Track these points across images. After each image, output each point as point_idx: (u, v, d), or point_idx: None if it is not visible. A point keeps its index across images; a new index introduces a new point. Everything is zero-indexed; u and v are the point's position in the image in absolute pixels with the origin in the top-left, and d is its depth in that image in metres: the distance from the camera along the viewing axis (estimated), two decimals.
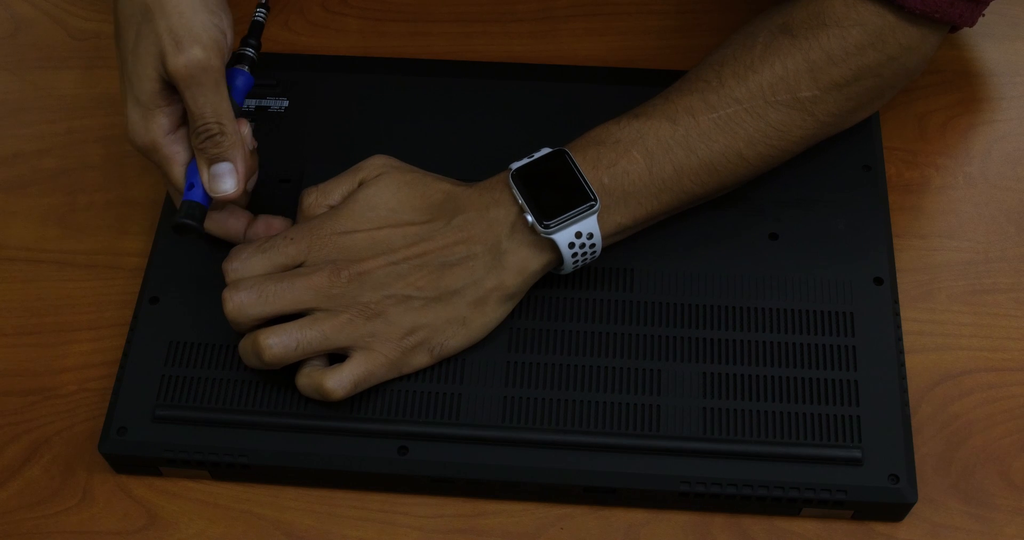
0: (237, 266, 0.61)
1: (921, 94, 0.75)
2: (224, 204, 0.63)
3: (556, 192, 0.61)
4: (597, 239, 0.61)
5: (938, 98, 0.75)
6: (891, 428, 0.61)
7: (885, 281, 0.65)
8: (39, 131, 0.75)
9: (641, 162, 0.61)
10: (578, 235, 0.61)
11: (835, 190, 0.68)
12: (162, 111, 0.60)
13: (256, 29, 0.65)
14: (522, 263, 0.61)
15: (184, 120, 0.62)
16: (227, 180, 0.61)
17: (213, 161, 0.61)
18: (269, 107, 0.72)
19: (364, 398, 0.62)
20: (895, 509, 0.61)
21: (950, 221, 0.70)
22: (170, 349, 0.64)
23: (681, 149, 0.62)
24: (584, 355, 0.63)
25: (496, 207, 0.61)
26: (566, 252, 0.61)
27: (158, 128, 0.61)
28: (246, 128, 0.62)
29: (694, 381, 0.62)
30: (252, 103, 0.72)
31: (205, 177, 0.61)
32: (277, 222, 0.65)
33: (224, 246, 0.66)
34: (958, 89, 0.75)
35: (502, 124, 0.71)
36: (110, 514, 0.63)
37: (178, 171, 0.62)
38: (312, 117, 0.72)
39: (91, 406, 0.65)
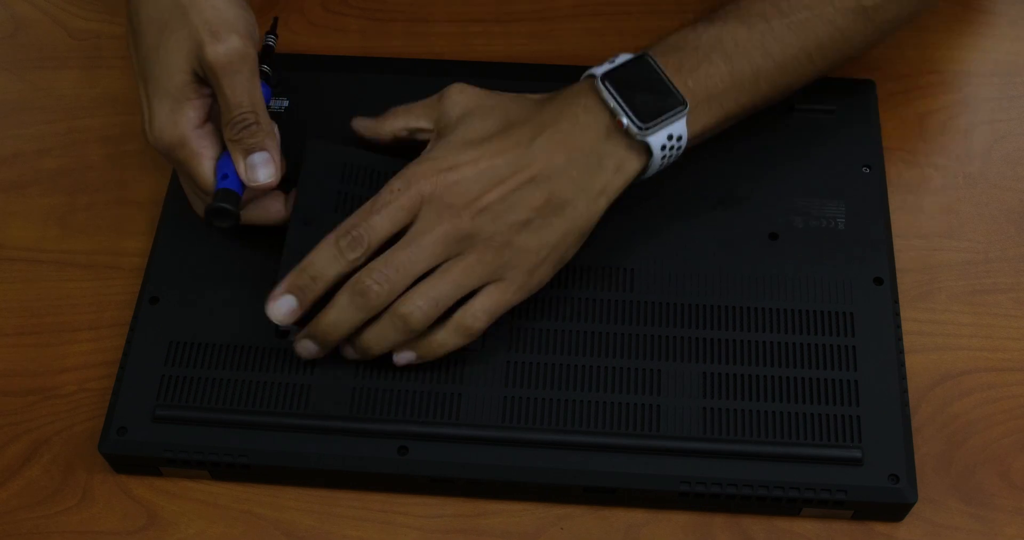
0: (362, 233, 0.59)
1: (921, 94, 0.75)
2: (256, 193, 0.63)
3: (648, 95, 0.61)
4: (684, 141, 0.62)
5: (938, 98, 0.75)
6: (891, 428, 0.61)
7: (885, 281, 0.65)
8: (39, 131, 0.75)
9: (722, 66, 0.63)
10: (669, 137, 0.61)
11: (835, 190, 0.68)
12: (192, 104, 0.61)
13: (268, 52, 0.67)
14: (620, 164, 0.62)
15: (210, 116, 0.62)
16: (265, 169, 0.61)
17: (250, 151, 0.61)
18: (269, 107, 0.72)
19: (364, 398, 0.62)
20: (895, 509, 0.61)
21: (950, 221, 0.70)
22: (170, 349, 0.64)
23: (758, 52, 0.63)
24: (584, 355, 0.63)
25: (587, 113, 0.62)
26: (657, 154, 0.62)
27: (187, 122, 0.61)
28: (276, 129, 0.63)
29: (694, 381, 0.62)
30: None
31: (241, 167, 0.61)
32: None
33: (224, 247, 0.66)
34: (958, 89, 0.75)
35: None
36: (110, 514, 0.63)
37: (208, 165, 0.62)
38: (312, 117, 0.72)
39: (91, 406, 0.65)
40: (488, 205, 0.60)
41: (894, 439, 0.61)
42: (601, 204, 0.62)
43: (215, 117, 0.63)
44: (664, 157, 0.62)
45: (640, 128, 0.61)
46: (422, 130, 0.65)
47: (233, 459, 0.61)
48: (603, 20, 0.79)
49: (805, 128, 0.70)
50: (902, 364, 0.63)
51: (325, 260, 0.60)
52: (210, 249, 0.67)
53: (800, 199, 0.68)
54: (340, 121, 0.71)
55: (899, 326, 0.64)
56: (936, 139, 0.73)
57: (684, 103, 0.62)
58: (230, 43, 0.59)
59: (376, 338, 0.61)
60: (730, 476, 0.60)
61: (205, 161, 0.62)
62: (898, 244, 0.69)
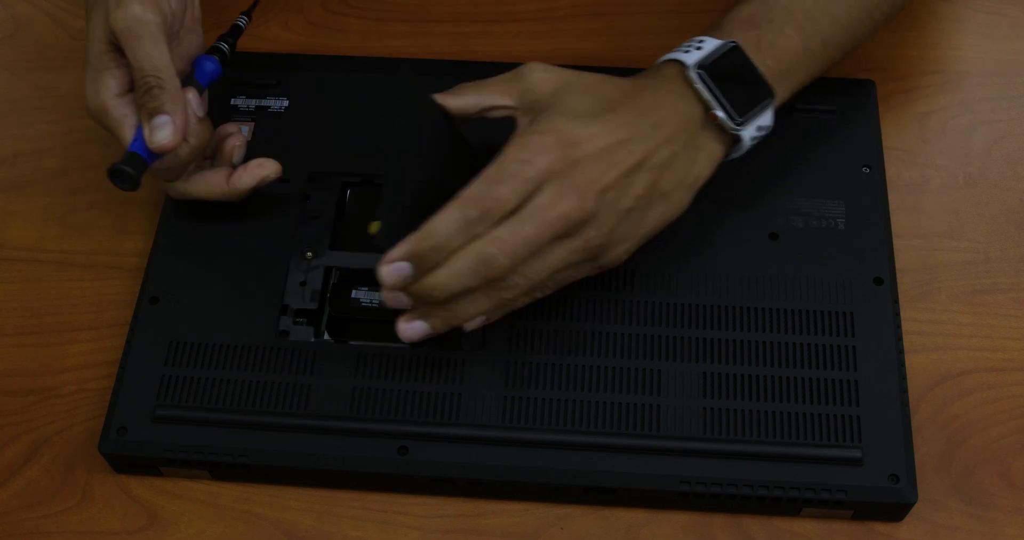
0: (491, 206, 0.57)
1: (921, 94, 0.75)
2: (174, 162, 0.64)
3: (741, 88, 0.61)
4: (770, 129, 0.63)
5: (938, 98, 0.75)
6: (891, 428, 0.61)
7: (885, 281, 0.65)
8: (39, 131, 0.75)
9: (795, 38, 0.63)
10: (759, 128, 0.62)
11: (835, 190, 0.68)
12: (110, 72, 0.62)
13: (234, 31, 0.69)
14: (713, 156, 0.62)
15: (133, 85, 0.63)
16: (162, 131, 0.61)
17: (152, 114, 0.61)
18: (269, 107, 0.72)
19: (364, 398, 0.62)
20: (895, 509, 0.61)
21: (950, 221, 0.70)
22: (170, 349, 0.64)
23: (825, 19, 0.64)
24: (584, 355, 0.63)
25: (683, 102, 0.61)
26: (747, 145, 0.63)
27: (107, 90, 0.62)
28: (193, 96, 0.64)
29: (694, 381, 0.62)
30: (252, 103, 0.72)
31: (147, 131, 0.62)
32: (268, 163, 0.66)
33: (224, 247, 0.66)
34: (958, 89, 0.75)
35: (502, 124, 0.71)
36: (110, 514, 0.63)
37: (127, 133, 0.63)
38: (312, 117, 0.72)
39: (91, 406, 0.65)
40: (606, 188, 0.58)
41: (894, 439, 0.61)
42: (690, 197, 0.62)
43: None
44: (752, 145, 0.63)
45: (736, 122, 0.61)
46: (497, 107, 0.63)
47: (233, 459, 0.61)
48: (603, 20, 0.79)
49: (805, 128, 0.70)
50: (902, 364, 0.63)
51: (452, 231, 0.57)
52: (210, 249, 0.67)
53: (800, 199, 0.68)
54: (340, 121, 0.72)
55: (899, 326, 0.64)
56: (936, 139, 0.73)
57: (772, 94, 0.62)
58: (129, 9, 0.61)
59: (470, 309, 0.59)
60: (730, 476, 0.60)
61: (126, 129, 0.63)
62: (898, 244, 0.69)
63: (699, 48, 0.62)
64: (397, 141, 0.70)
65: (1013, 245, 0.69)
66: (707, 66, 0.61)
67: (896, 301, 0.65)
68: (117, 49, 0.62)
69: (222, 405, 0.62)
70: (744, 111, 0.61)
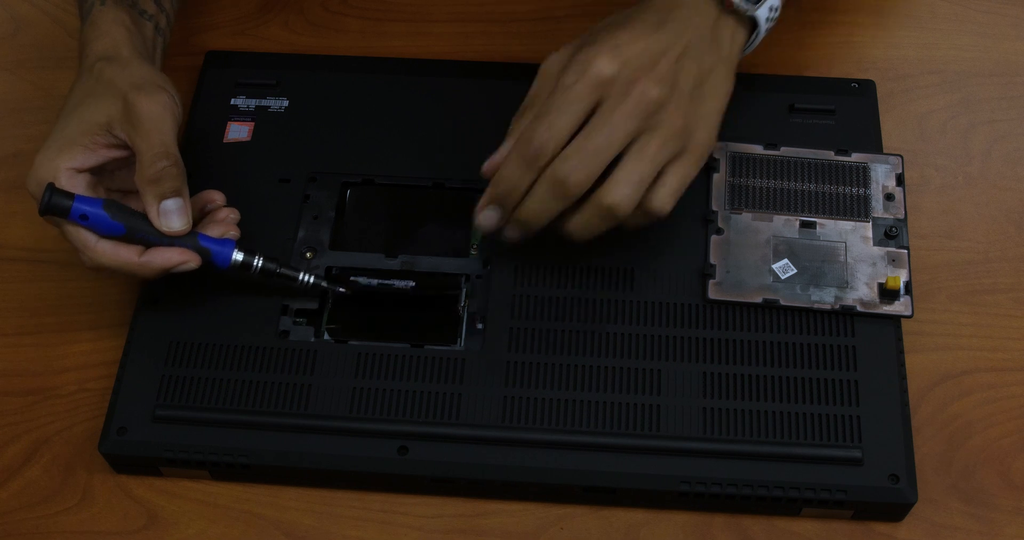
0: (545, 140, 0.59)
1: (921, 94, 0.75)
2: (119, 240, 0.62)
3: None
4: (779, 10, 0.65)
5: (938, 98, 0.75)
6: (891, 428, 0.61)
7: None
8: (39, 131, 0.75)
9: None
10: (771, 9, 0.65)
11: None
12: (84, 149, 0.62)
13: (284, 269, 0.65)
14: (733, 34, 0.64)
15: (94, 172, 0.62)
16: (178, 215, 0.61)
17: (166, 195, 0.61)
18: (269, 107, 0.72)
19: (364, 398, 0.62)
20: (895, 509, 0.61)
21: (950, 221, 0.70)
22: (170, 349, 0.64)
23: None
24: (584, 355, 0.63)
25: (689, 6, 0.63)
26: (763, 26, 0.65)
27: (70, 161, 0.62)
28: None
29: (694, 381, 0.62)
30: (252, 103, 0.72)
31: (154, 211, 0.61)
32: (189, 254, 0.62)
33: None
34: (958, 89, 0.75)
35: (502, 124, 0.71)
36: (110, 514, 0.63)
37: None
38: (312, 117, 0.72)
39: (91, 406, 0.65)
40: (665, 73, 0.60)
41: (894, 439, 0.61)
42: (732, 71, 0.64)
43: (101, 176, 0.63)
44: (767, 29, 0.65)
45: (750, 2, 0.64)
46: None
47: (233, 459, 0.61)
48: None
49: (805, 128, 0.70)
50: (902, 364, 0.63)
51: (516, 175, 0.60)
52: None
53: None
54: (340, 121, 0.72)
55: (899, 326, 0.64)
56: (936, 139, 0.73)
57: None
58: (158, 97, 0.62)
59: (581, 229, 0.61)
60: (730, 476, 0.60)
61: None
62: None
63: None
64: (397, 141, 0.70)
65: (1013, 245, 0.69)
66: None
67: None
68: (108, 142, 0.62)
69: (222, 405, 0.62)
70: None
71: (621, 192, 0.59)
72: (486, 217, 0.62)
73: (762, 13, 0.65)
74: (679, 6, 0.63)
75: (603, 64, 0.60)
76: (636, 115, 0.59)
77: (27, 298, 0.69)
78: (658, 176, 0.61)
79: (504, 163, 0.61)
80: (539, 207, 0.60)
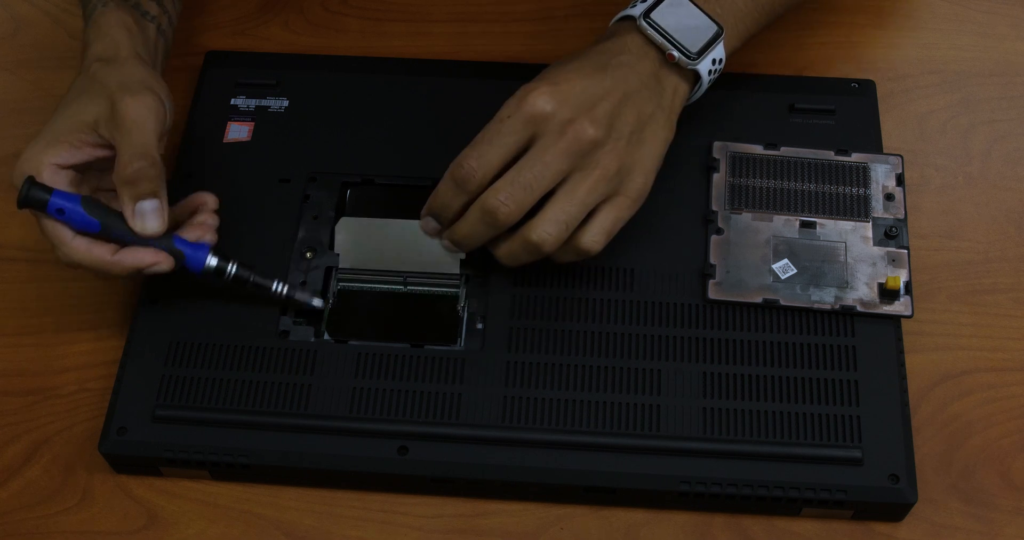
0: (475, 166, 0.60)
1: (921, 94, 0.75)
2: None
3: (688, 28, 0.64)
4: (723, 63, 0.66)
5: (938, 98, 0.75)
6: (891, 428, 0.61)
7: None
8: (39, 131, 0.75)
9: None
10: (714, 62, 0.65)
11: None
12: (69, 145, 0.62)
13: (257, 278, 0.65)
14: (675, 87, 0.65)
15: (78, 169, 0.62)
16: (154, 216, 0.61)
17: (142, 197, 0.61)
18: (269, 107, 0.72)
19: (364, 398, 0.62)
20: (895, 509, 0.61)
21: (950, 221, 0.70)
22: (170, 349, 0.64)
23: None
24: (584, 355, 0.63)
25: (641, 48, 0.64)
26: (705, 79, 0.65)
27: (54, 157, 0.62)
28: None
29: (694, 381, 0.62)
30: (252, 103, 0.72)
31: (130, 212, 0.61)
32: (163, 257, 0.62)
33: (224, 246, 0.66)
34: (958, 89, 0.75)
35: None
36: (110, 514, 0.63)
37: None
38: (312, 117, 0.72)
39: (91, 406, 0.65)
40: (603, 116, 0.61)
41: (894, 439, 0.61)
42: (672, 119, 0.65)
43: (88, 174, 0.63)
44: (710, 80, 0.66)
45: (690, 59, 0.64)
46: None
47: (233, 459, 0.61)
48: (603, 20, 0.78)
49: (805, 128, 0.70)
50: (902, 364, 0.63)
51: (448, 195, 0.62)
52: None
53: None
54: (340, 121, 0.72)
55: (899, 326, 0.64)
56: (936, 139, 0.73)
57: (721, 28, 0.65)
58: (144, 99, 0.62)
59: (507, 257, 0.62)
60: (730, 476, 0.60)
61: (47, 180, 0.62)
62: None
63: (644, 1, 0.65)
64: (397, 141, 0.70)
65: (1013, 245, 0.69)
66: (651, 13, 0.64)
67: None
68: (94, 141, 0.62)
69: (222, 405, 0.62)
70: (696, 48, 0.64)
71: (546, 230, 0.60)
72: (426, 223, 0.64)
73: (704, 66, 0.65)
74: (625, 51, 0.64)
75: (541, 100, 0.60)
76: (569, 154, 0.60)
77: (27, 298, 0.69)
78: (590, 215, 0.61)
79: (441, 180, 0.62)
80: (470, 231, 0.62)
